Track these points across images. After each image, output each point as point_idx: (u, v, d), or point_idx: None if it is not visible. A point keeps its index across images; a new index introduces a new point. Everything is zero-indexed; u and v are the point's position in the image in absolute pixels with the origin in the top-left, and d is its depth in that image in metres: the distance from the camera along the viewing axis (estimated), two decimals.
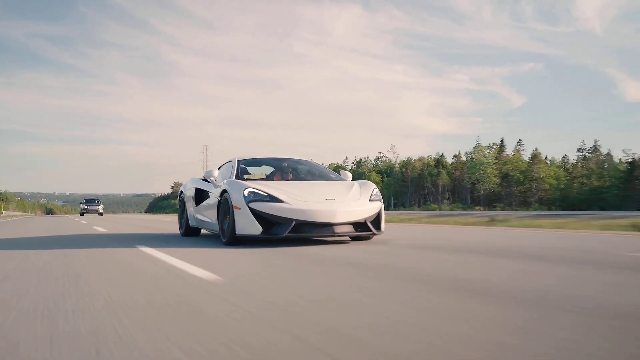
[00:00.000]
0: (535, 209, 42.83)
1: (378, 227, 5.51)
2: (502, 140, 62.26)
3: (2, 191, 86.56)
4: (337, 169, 71.95)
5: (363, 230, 5.32)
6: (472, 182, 58.86)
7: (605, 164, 57.03)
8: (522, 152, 61.30)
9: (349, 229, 5.22)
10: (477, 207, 49.72)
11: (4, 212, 55.50)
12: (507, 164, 58.31)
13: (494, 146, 60.27)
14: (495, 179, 56.35)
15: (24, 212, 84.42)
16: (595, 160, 58.73)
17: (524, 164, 58.23)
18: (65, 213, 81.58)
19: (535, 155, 57.99)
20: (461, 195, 62.36)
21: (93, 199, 40.56)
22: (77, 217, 29.89)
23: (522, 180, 56.69)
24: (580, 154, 62.48)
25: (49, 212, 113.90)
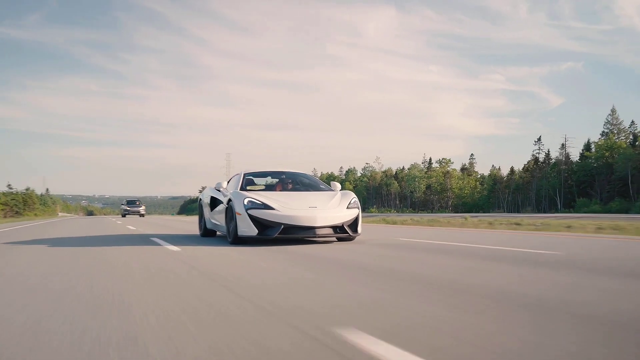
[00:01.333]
0: (436, 212, 61.33)
1: (355, 230, 6.69)
2: (430, 159, 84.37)
3: (51, 194, 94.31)
4: (330, 178, 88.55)
5: (341, 232, 6.52)
6: (410, 191, 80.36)
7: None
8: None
9: (329, 231, 6.42)
10: (408, 210, 70.28)
11: (59, 213, 68.58)
12: (431, 177, 78.81)
13: (424, 163, 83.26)
14: (423, 188, 78.34)
15: (69, 213, 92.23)
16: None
17: (441, 178, 77.28)
18: (105, 215, 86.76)
19: (447, 170, 78.42)
20: (405, 202, 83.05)
21: (134, 200, 40.30)
22: (113, 217, 31.67)
23: (439, 190, 76.91)
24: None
25: (90, 213, 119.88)
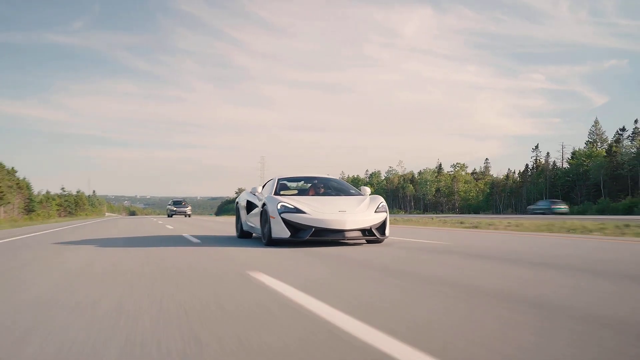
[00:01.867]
0: (445, 213, 66.81)
1: (383, 233, 6.99)
2: (440, 164, 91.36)
3: (97, 195, 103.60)
4: (355, 181, 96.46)
5: (369, 235, 6.83)
6: (422, 194, 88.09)
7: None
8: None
9: (357, 234, 6.75)
10: (415, 212, 79.77)
11: (106, 213, 77.50)
12: (441, 182, 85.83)
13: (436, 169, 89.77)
14: (433, 191, 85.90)
15: (113, 213, 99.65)
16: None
17: (450, 182, 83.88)
18: (146, 215, 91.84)
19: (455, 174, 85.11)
20: (419, 204, 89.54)
21: (180, 201, 40.37)
22: (154, 217, 32.73)
23: (447, 193, 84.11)
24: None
25: (132, 213, 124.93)
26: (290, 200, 7.04)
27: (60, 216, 53.46)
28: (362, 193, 7.90)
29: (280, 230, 6.76)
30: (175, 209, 38.31)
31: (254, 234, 8.90)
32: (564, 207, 37.54)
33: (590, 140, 64.44)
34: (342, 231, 6.64)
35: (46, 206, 61.00)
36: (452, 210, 79.87)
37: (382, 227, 7.00)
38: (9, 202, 48.53)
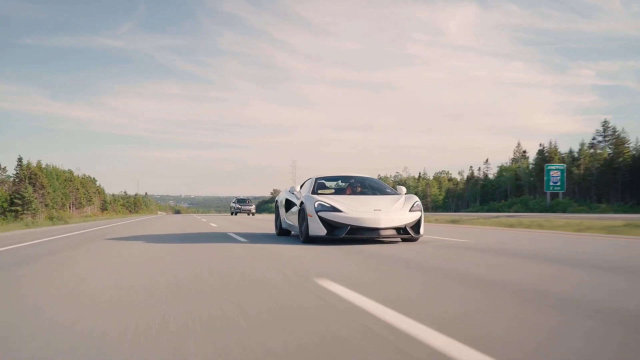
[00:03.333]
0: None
1: (417, 232, 7.11)
2: (424, 169, 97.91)
3: (148, 195, 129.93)
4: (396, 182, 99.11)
5: (404, 234, 6.97)
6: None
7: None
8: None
9: (392, 232, 6.90)
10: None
11: (158, 212, 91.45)
12: (418, 187, 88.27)
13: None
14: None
15: (162, 212, 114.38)
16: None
17: (424, 187, 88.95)
18: (190, 213, 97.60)
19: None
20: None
21: (245, 199, 40.42)
22: (198, 215, 34.11)
23: (422, 196, 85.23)
24: None
25: (177, 212, 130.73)
26: (327, 199, 7.26)
27: (128, 213, 79.52)
28: (397, 192, 8.03)
29: (317, 228, 6.99)
30: (239, 206, 38.30)
31: (292, 232, 9.18)
32: None
33: (515, 158, 73.22)
34: (377, 229, 6.80)
35: (114, 206, 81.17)
36: (426, 210, 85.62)
37: (416, 226, 7.12)
38: (93, 204, 68.99)
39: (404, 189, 8.19)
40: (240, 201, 39.63)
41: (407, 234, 6.98)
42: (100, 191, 76.36)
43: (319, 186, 8.37)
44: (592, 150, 57.71)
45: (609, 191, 52.44)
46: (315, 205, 7.08)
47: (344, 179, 8.88)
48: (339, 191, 8.48)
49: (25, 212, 42.15)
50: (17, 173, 49.04)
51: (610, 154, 55.11)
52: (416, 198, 7.48)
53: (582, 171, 56.38)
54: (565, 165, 44.32)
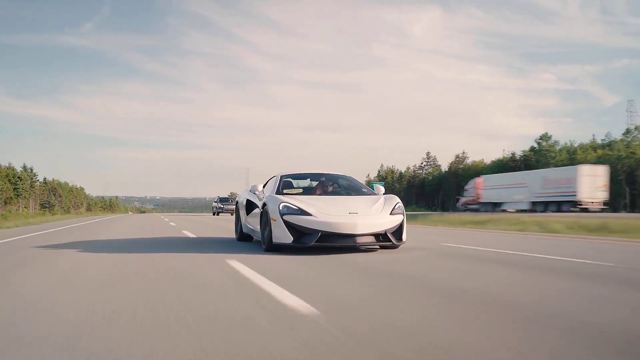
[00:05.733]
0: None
1: (399, 238, 6.07)
2: (382, 167, 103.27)
3: (116, 196, 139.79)
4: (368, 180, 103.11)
5: (384, 240, 5.92)
6: None
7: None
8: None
9: (370, 239, 5.84)
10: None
11: (129, 212, 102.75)
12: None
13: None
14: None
15: (131, 212, 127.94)
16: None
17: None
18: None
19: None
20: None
21: (227, 198, 37.08)
22: (162, 215, 32.80)
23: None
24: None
25: (142, 212, 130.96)
26: (294, 200, 6.15)
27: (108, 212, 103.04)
28: (375, 192, 7.01)
29: (282, 235, 5.89)
30: (222, 206, 34.50)
31: (254, 237, 8.06)
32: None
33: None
34: (352, 236, 5.74)
35: (95, 208, 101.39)
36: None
37: (398, 232, 6.09)
38: (82, 206, 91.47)
39: (382, 189, 7.18)
40: (223, 200, 36.01)
41: (388, 240, 5.92)
42: (86, 197, 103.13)
43: (284, 185, 7.22)
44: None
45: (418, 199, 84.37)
46: (280, 208, 5.96)
47: (313, 176, 7.73)
48: (308, 191, 7.33)
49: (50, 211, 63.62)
50: (44, 185, 71.27)
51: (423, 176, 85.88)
52: (397, 199, 6.45)
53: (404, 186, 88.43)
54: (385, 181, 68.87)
